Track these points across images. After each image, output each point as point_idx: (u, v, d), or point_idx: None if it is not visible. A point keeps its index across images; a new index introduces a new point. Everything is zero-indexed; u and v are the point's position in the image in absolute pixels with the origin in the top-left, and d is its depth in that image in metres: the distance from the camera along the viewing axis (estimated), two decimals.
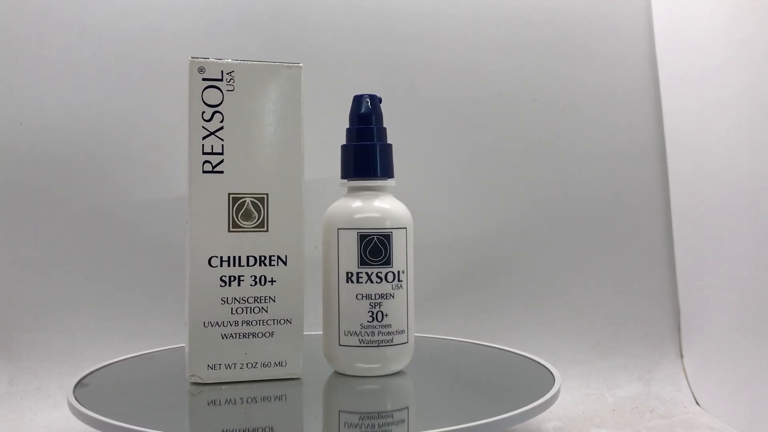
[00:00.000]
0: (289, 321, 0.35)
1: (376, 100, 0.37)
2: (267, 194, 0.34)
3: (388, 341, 0.35)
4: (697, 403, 0.45)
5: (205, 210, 0.33)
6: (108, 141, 0.48)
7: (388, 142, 0.38)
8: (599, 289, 0.51)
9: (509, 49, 0.52)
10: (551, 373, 0.36)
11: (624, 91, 0.52)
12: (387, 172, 0.37)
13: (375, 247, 0.35)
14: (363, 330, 0.35)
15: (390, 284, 0.35)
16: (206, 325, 0.33)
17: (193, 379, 0.33)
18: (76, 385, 0.34)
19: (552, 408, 0.33)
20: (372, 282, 0.35)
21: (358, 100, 0.37)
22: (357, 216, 0.35)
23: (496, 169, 0.51)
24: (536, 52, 0.52)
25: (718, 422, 0.41)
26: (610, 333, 0.50)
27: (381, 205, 0.36)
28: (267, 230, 0.34)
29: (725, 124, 0.43)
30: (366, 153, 0.36)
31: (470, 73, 0.51)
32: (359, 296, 0.35)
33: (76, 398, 0.31)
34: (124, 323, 0.47)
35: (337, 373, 0.36)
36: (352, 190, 0.37)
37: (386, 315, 0.35)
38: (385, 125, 0.38)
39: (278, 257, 0.34)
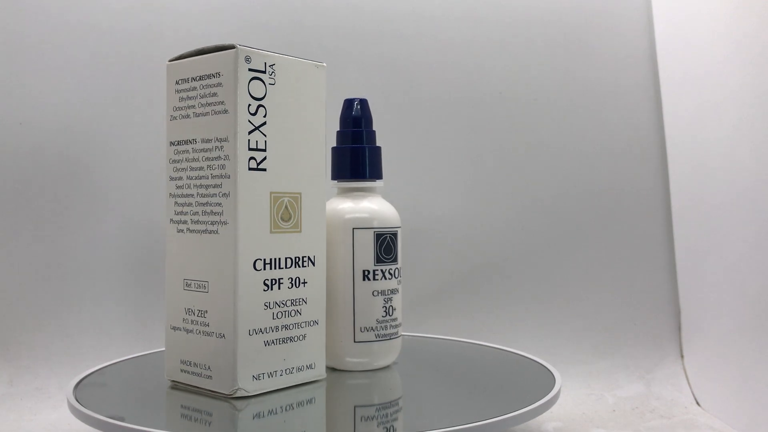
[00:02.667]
0: (316, 322, 0.34)
1: (365, 104, 0.38)
2: (300, 193, 0.34)
3: (395, 334, 0.37)
4: (697, 403, 0.45)
5: (250, 210, 0.32)
6: (109, 140, 0.48)
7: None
8: (599, 289, 0.51)
9: (509, 48, 0.52)
10: (551, 373, 0.36)
11: (624, 91, 0.52)
12: (377, 174, 0.38)
13: (387, 246, 0.37)
14: (378, 325, 0.36)
15: (396, 280, 0.37)
16: (251, 333, 0.32)
17: (240, 393, 0.31)
18: (76, 386, 0.34)
19: (552, 408, 0.33)
20: (385, 278, 0.37)
21: (348, 103, 0.38)
22: (371, 217, 0.37)
23: (496, 168, 0.51)
24: (536, 52, 0.52)
25: (718, 422, 0.41)
26: (611, 333, 0.50)
27: (383, 206, 0.38)
28: (300, 231, 0.34)
29: (726, 123, 0.43)
30: (358, 155, 0.38)
31: (470, 73, 0.51)
32: (375, 293, 0.36)
33: (76, 398, 0.31)
34: (124, 323, 0.47)
35: (334, 369, 0.37)
36: (344, 191, 0.38)
37: (395, 309, 0.37)
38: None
39: (308, 258, 0.34)
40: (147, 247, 0.48)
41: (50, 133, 0.47)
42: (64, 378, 0.44)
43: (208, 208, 0.32)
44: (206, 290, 0.32)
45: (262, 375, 0.32)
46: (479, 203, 0.51)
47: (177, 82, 0.33)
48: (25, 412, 0.42)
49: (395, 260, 0.37)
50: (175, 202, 0.33)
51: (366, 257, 0.36)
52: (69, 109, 0.47)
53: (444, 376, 0.38)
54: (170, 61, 0.34)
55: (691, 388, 0.46)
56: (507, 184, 0.51)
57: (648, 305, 0.50)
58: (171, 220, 0.33)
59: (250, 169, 0.32)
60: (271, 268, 0.32)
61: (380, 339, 0.37)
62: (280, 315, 0.33)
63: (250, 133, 0.32)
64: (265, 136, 0.32)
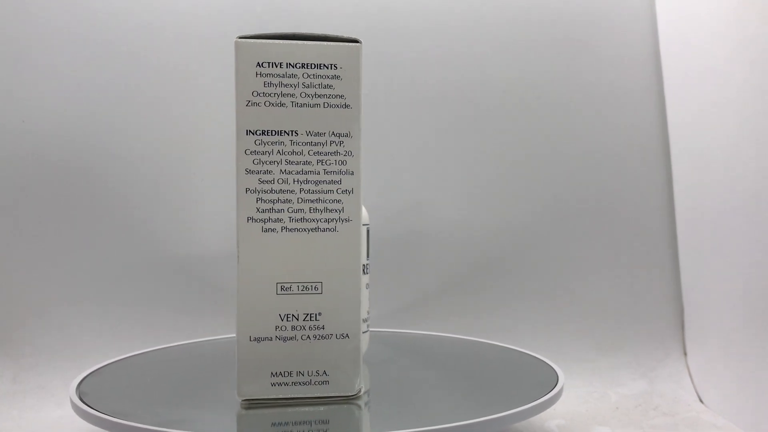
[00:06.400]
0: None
1: None
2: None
3: (368, 326, 0.38)
4: (701, 401, 0.45)
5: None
6: (110, 140, 0.48)
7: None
8: (603, 287, 0.51)
9: (512, 47, 0.51)
10: (554, 370, 0.36)
11: (627, 89, 0.52)
12: None
13: (366, 241, 0.38)
14: (368, 318, 0.38)
15: (365, 276, 0.38)
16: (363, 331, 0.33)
17: (361, 392, 0.31)
18: (79, 384, 0.34)
19: (555, 406, 0.33)
20: (365, 273, 0.37)
21: None
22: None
23: (498, 167, 0.51)
24: (538, 51, 0.52)
25: (721, 420, 0.41)
26: (614, 331, 0.50)
27: None
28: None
29: (730, 122, 0.43)
30: None
31: (473, 72, 0.51)
32: (367, 286, 0.37)
33: (79, 396, 0.31)
34: (128, 321, 0.47)
35: None
36: None
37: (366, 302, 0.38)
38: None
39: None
40: (148, 246, 0.48)
41: (52, 132, 0.47)
42: (67, 376, 0.44)
43: (321, 205, 0.30)
44: (319, 291, 0.31)
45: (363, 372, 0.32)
46: (481, 202, 0.51)
47: (260, 65, 0.30)
48: (28, 409, 0.42)
49: (368, 255, 0.38)
50: (259, 198, 0.30)
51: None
52: (71, 108, 0.47)
53: (446, 373, 0.38)
54: (241, 38, 0.30)
55: (694, 385, 0.46)
56: (509, 183, 0.51)
57: (651, 303, 0.50)
58: (250, 218, 0.30)
59: None
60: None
61: (365, 332, 0.37)
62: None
63: None
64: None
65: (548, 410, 0.32)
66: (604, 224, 0.51)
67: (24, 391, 0.44)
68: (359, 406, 0.31)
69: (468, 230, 0.51)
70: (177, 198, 0.48)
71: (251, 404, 0.30)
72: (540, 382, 0.34)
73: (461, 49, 0.51)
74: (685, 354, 0.49)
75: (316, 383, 0.31)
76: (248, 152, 0.30)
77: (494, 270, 0.51)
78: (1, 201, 0.47)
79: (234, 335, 0.44)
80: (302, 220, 0.30)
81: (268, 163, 0.30)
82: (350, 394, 0.31)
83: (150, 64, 0.48)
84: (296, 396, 0.30)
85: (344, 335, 0.31)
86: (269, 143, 0.30)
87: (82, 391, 0.32)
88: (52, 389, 0.44)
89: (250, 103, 0.30)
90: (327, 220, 0.30)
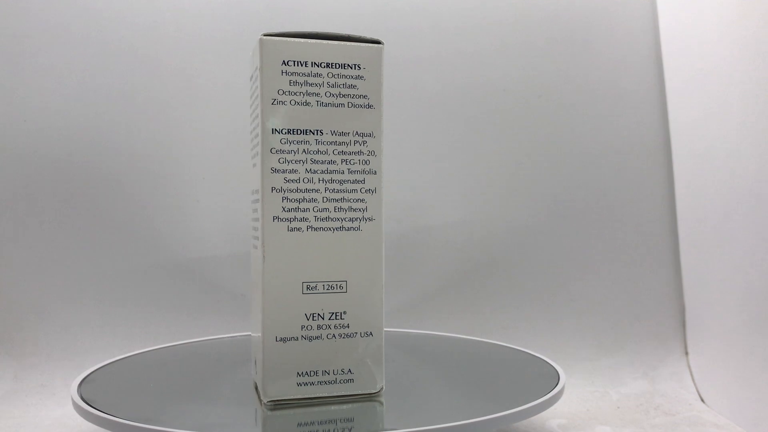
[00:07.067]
0: None
1: None
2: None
3: None
4: (702, 400, 0.45)
5: None
6: (112, 139, 0.48)
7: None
8: (604, 286, 0.51)
9: (513, 46, 0.51)
10: (555, 370, 0.36)
11: (629, 88, 0.52)
12: None
13: None
14: None
15: None
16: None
17: (382, 390, 0.31)
18: (80, 383, 0.34)
19: (556, 405, 0.33)
20: None
21: None
22: None
23: (499, 167, 0.51)
24: (540, 49, 0.52)
25: (723, 419, 0.41)
26: (615, 330, 0.50)
27: None
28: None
29: (731, 122, 0.43)
30: None
31: (474, 72, 0.51)
32: None
33: (80, 395, 0.31)
34: (129, 320, 0.47)
35: None
36: None
37: None
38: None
39: None
40: (149, 245, 0.48)
41: (53, 131, 0.47)
42: (68, 375, 0.44)
43: (346, 204, 0.31)
44: (344, 290, 0.31)
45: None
46: (482, 202, 0.51)
47: (285, 63, 0.30)
48: (30, 408, 0.42)
49: None
50: (285, 198, 0.30)
51: None
52: (71, 108, 0.47)
53: (447, 372, 0.38)
54: (266, 35, 0.30)
55: (695, 385, 0.46)
56: (510, 183, 0.51)
57: (652, 302, 0.50)
58: (276, 217, 0.30)
59: None
60: None
61: None
62: None
63: None
64: None
65: (549, 409, 0.32)
66: (605, 224, 0.51)
67: (25, 390, 0.44)
68: (381, 403, 0.31)
69: (468, 229, 0.51)
70: (177, 198, 0.48)
71: (276, 405, 0.30)
72: (541, 381, 0.34)
73: (463, 49, 0.51)
74: (687, 353, 0.49)
75: (341, 382, 0.31)
76: (274, 151, 0.30)
77: (495, 269, 0.51)
78: (2, 199, 0.47)
79: (236, 335, 0.44)
80: (327, 219, 0.30)
81: (293, 162, 0.30)
82: (374, 391, 0.31)
83: (152, 63, 0.48)
84: (322, 395, 0.31)
85: (368, 333, 0.31)
86: (295, 142, 0.30)
87: (83, 390, 0.33)
88: (53, 388, 0.44)
89: (275, 102, 0.30)
90: (351, 219, 0.31)
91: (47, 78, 0.47)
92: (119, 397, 0.33)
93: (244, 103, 0.47)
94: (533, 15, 0.52)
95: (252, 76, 0.33)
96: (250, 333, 0.37)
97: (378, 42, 0.31)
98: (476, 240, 0.51)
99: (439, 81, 0.51)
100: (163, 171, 0.48)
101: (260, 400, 0.31)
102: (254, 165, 0.32)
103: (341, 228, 0.31)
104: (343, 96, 0.31)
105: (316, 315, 0.30)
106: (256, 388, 0.33)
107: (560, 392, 0.33)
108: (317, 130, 0.30)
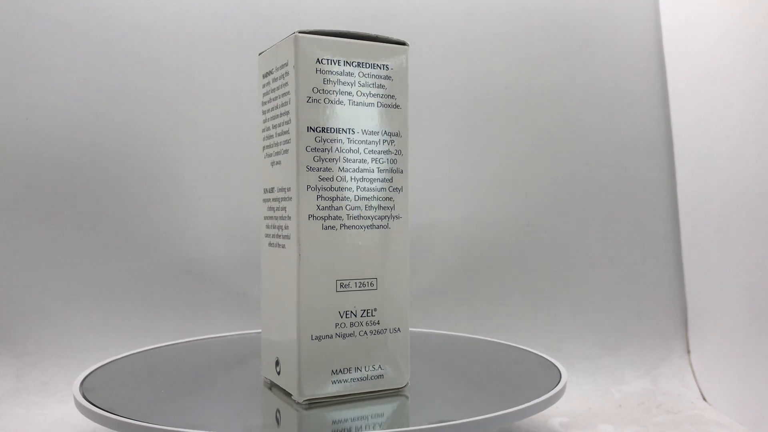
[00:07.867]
0: None
1: None
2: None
3: None
4: (704, 398, 0.45)
5: None
6: (112, 139, 0.48)
7: None
8: (606, 285, 0.51)
9: (516, 47, 0.51)
10: (557, 368, 0.36)
11: (631, 86, 0.52)
12: None
13: None
14: None
15: None
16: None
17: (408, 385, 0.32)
18: (83, 381, 0.34)
19: (558, 403, 0.33)
20: None
21: None
22: None
23: (502, 166, 0.51)
24: (543, 47, 0.52)
25: (725, 418, 0.41)
26: (617, 328, 0.50)
27: None
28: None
29: (733, 122, 0.43)
30: None
31: (477, 71, 0.51)
32: None
33: (82, 393, 0.31)
34: (131, 318, 0.47)
35: None
36: None
37: None
38: None
39: None
40: (150, 245, 0.48)
41: (55, 131, 0.47)
42: (70, 372, 0.44)
43: (375, 203, 0.31)
44: (375, 287, 0.31)
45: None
46: (484, 200, 0.51)
47: (320, 61, 0.30)
48: (32, 406, 0.42)
49: None
50: (319, 196, 0.30)
51: None
52: (72, 107, 0.48)
53: (449, 370, 0.38)
54: (302, 33, 0.30)
55: (697, 383, 0.46)
56: (513, 181, 0.51)
57: (654, 301, 0.50)
58: (311, 215, 0.30)
59: None
60: None
61: None
62: None
63: None
64: None
65: (551, 408, 0.32)
66: (607, 222, 0.51)
67: (27, 388, 0.44)
68: (407, 397, 0.31)
69: (470, 227, 0.51)
70: (178, 197, 0.48)
71: (312, 403, 0.30)
72: (543, 379, 0.34)
73: (466, 48, 0.51)
74: (689, 352, 0.49)
75: (372, 378, 0.31)
76: (309, 149, 0.30)
77: (497, 267, 0.51)
78: (3, 198, 0.47)
79: (236, 333, 0.44)
80: (359, 217, 0.31)
81: (327, 160, 0.30)
82: (401, 386, 0.32)
83: (153, 63, 0.48)
84: (354, 392, 0.31)
85: (396, 329, 0.32)
86: (329, 140, 0.30)
87: (85, 388, 0.33)
88: (55, 386, 0.44)
89: (310, 100, 0.30)
90: (381, 218, 0.31)
91: (48, 78, 0.47)
92: (121, 395, 0.33)
93: (244, 103, 0.47)
94: (535, 15, 0.51)
95: (269, 74, 0.33)
96: (259, 331, 0.37)
97: (404, 43, 0.32)
98: (477, 238, 0.51)
99: (440, 80, 0.51)
100: (163, 171, 0.48)
101: (290, 399, 0.31)
102: (276, 163, 0.32)
103: (372, 226, 0.31)
104: (373, 95, 0.31)
105: (350, 312, 0.31)
106: (272, 386, 0.33)
107: (562, 390, 0.33)
108: (349, 129, 0.31)
